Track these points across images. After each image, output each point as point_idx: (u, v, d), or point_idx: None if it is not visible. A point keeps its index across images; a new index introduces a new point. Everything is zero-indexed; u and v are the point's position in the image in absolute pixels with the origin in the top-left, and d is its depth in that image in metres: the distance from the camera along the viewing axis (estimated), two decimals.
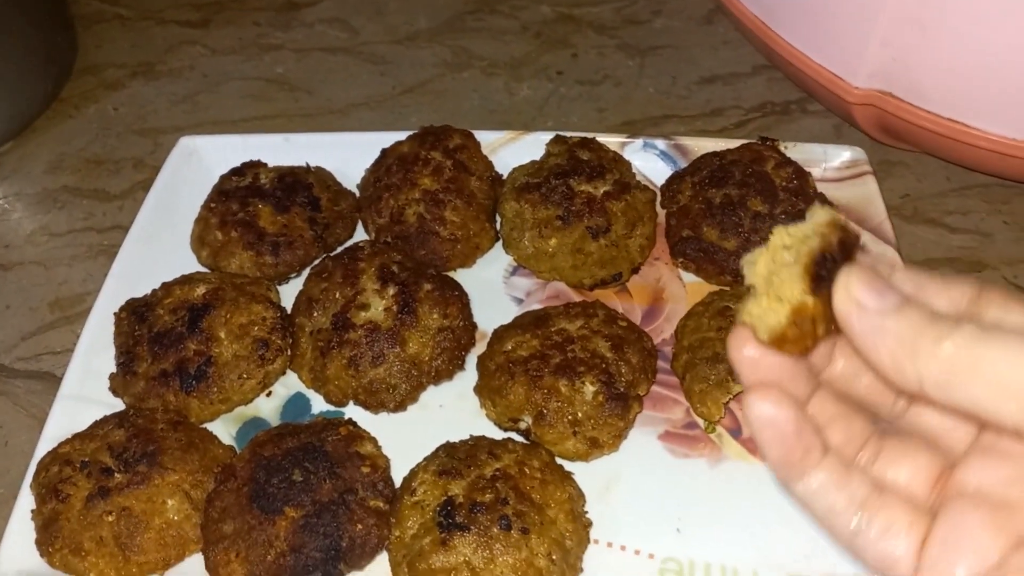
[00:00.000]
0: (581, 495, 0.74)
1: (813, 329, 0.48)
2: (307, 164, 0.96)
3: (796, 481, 0.49)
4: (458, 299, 0.84)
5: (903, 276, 0.46)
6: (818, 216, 0.48)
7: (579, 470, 0.76)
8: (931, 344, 0.40)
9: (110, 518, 0.70)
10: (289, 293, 0.88)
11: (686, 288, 0.90)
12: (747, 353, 0.48)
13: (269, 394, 0.84)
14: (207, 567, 0.70)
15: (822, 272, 0.47)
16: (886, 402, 0.52)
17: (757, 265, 0.49)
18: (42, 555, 0.71)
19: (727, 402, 0.77)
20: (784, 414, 0.47)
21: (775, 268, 0.49)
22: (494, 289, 0.91)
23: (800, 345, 0.48)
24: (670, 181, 0.93)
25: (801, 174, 0.90)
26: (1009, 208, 0.97)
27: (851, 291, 0.44)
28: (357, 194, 0.96)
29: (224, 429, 0.81)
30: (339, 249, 0.91)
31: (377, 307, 0.82)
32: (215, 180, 0.95)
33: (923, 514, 0.48)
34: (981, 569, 0.46)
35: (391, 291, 0.82)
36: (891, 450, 0.50)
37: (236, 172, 0.94)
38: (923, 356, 0.40)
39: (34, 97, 1.12)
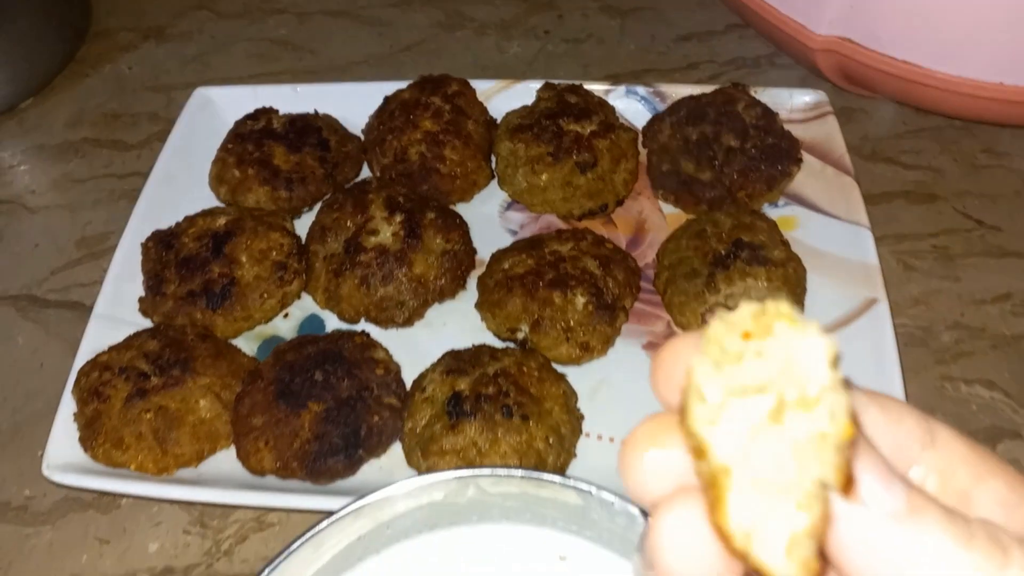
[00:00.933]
0: (574, 393, 0.82)
1: None
2: (315, 111, 1.03)
3: None
4: (459, 226, 0.92)
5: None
6: (813, 341, 0.28)
7: (571, 374, 0.84)
8: None
9: (148, 415, 0.77)
10: (301, 227, 0.96)
11: (666, 219, 0.98)
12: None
13: (286, 315, 0.91)
14: (239, 456, 0.78)
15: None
16: None
17: (719, 435, 0.28)
18: (85, 450, 0.78)
19: (704, 312, 0.86)
20: None
21: (757, 438, 0.28)
22: (491, 222, 0.99)
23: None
24: (651, 122, 1.01)
25: (769, 114, 0.98)
26: (958, 147, 1.06)
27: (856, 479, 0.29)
28: (362, 138, 1.04)
29: (246, 346, 0.88)
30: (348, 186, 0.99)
31: (385, 233, 0.89)
32: (229, 127, 1.02)
33: None
34: None
35: (398, 218, 0.90)
36: None
37: (250, 117, 1.01)
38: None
39: (51, 58, 1.19)
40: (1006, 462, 0.33)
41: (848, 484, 0.28)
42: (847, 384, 0.28)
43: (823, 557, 0.28)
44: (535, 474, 0.66)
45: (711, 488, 0.28)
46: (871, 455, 0.29)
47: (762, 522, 0.27)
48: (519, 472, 0.67)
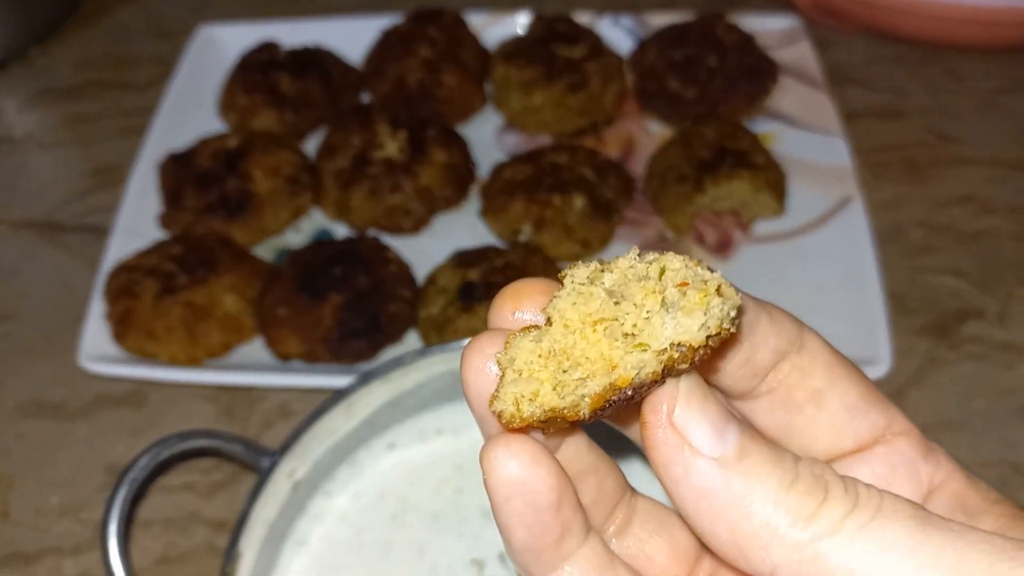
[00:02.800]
0: None
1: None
2: (315, 45, 1.09)
3: (544, 575, 0.35)
4: (460, 141, 0.98)
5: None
6: (689, 322, 0.31)
7: None
8: (791, 528, 0.30)
9: (178, 309, 0.82)
10: (307, 151, 1.01)
11: (653, 137, 1.04)
12: (487, 370, 0.34)
13: (298, 229, 0.96)
14: (267, 343, 0.83)
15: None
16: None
17: (567, 299, 0.33)
18: (119, 343, 0.83)
19: (693, 213, 0.92)
20: (542, 478, 0.33)
21: (583, 325, 0.32)
22: (488, 145, 1.05)
23: (525, 427, 0.33)
24: (638, 48, 1.07)
25: (747, 37, 1.05)
26: (923, 72, 1.14)
27: (684, 427, 0.31)
28: (361, 70, 1.09)
29: (262, 256, 0.93)
30: None
31: (391, 147, 0.95)
32: (231, 62, 1.07)
33: None
34: None
35: (402, 135, 0.95)
36: (646, 521, 0.39)
37: (255, 50, 1.06)
38: (781, 547, 0.30)
39: (55, 5, 1.23)
40: (865, 375, 0.38)
41: (596, 414, 0.32)
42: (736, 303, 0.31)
43: (556, 429, 0.33)
44: None
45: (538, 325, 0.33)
46: (709, 404, 0.31)
47: (527, 368, 0.32)
48: None
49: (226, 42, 1.11)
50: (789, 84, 1.05)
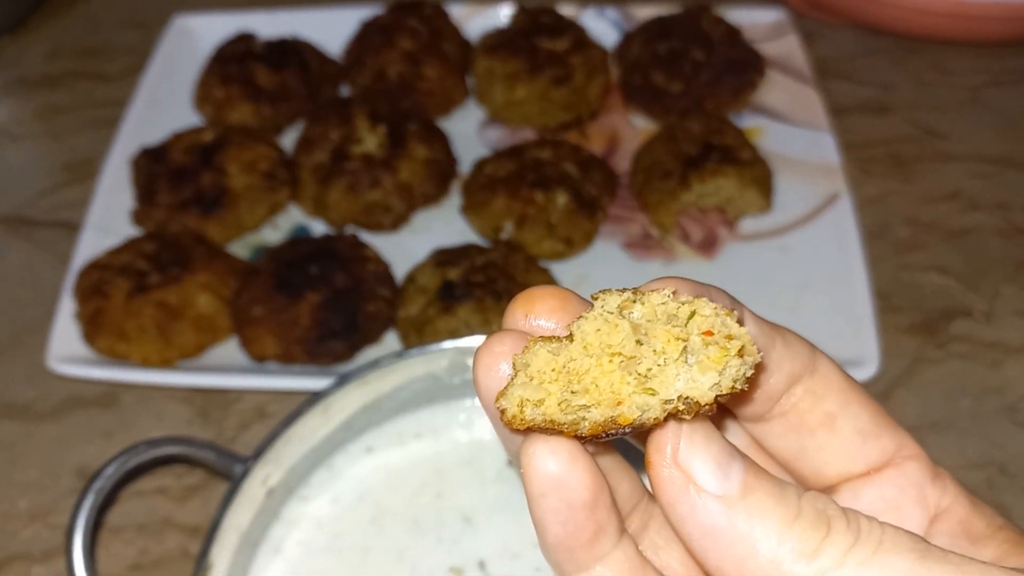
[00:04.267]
0: (557, 283, 0.86)
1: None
2: (293, 36, 1.06)
3: (576, 573, 0.36)
4: (441, 136, 0.96)
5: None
6: (702, 382, 0.32)
7: (554, 270, 0.88)
8: (796, 564, 0.31)
9: (150, 309, 0.80)
10: (284, 145, 0.98)
11: (637, 132, 1.03)
12: (500, 370, 0.35)
13: (275, 226, 0.94)
14: (242, 343, 0.81)
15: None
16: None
17: (593, 324, 0.33)
18: (89, 344, 0.80)
19: (678, 209, 0.91)
20: (578, 477, 0.33)
21: (601, 352, 0.33)
22: (469, 139, 1.03)
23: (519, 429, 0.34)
24: (623, 41, 1.06)
25: (733, 30, 1.03)
26: (909, 66, 1.13)
27: (688, 465, 0.32)
28: (341, 62, 1.07)
29: (238, 253, 0.91)
30: None
31: (370, 142, 0.93)
32: (207, 54, 1.04)
33: None
34: None
35: (382, 129, 0.93)
36: (662, 523, 0.39)
37: (231, 41, 1.03)
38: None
39: None
40: (875, 400, 0.39)
41: (594, 439, 0.33)
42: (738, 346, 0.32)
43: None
44: None
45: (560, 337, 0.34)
46: (712, 443, 0.32)
47: (539, 378, 0.33)
48: None
49: (202, 33, 1.08)
50: (776, 78, 1.04)
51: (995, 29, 1.08)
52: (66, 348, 0.80)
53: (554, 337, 0.34)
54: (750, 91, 1.00)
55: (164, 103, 1.02)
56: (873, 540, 0.31)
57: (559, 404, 0.33)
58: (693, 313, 0.33)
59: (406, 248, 0.91)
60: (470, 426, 0.75)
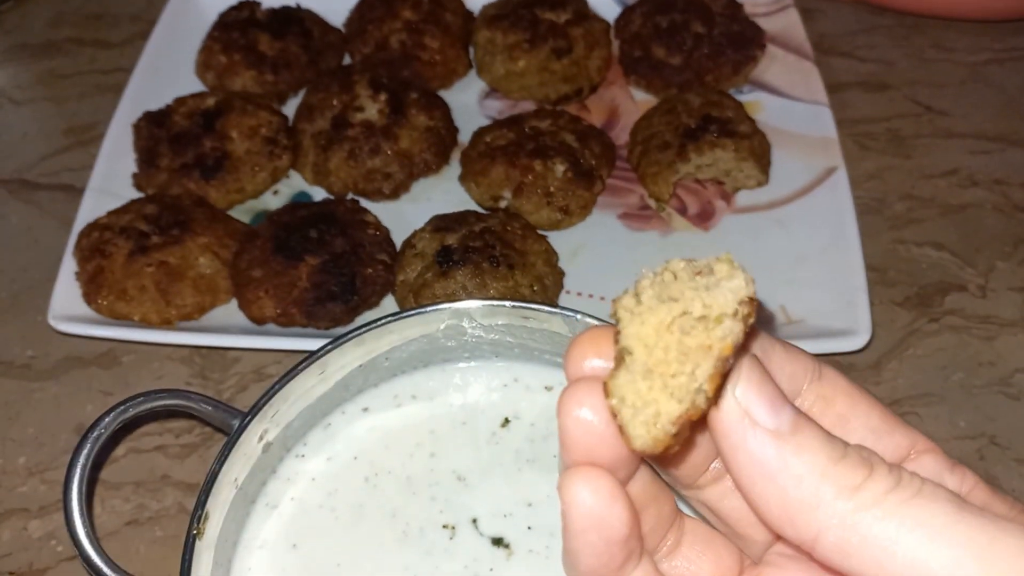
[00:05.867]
0: (555, 252, 0.87)
1: (690, 431, 0.35)
2: (296, 4, 1.06)
3: None
4: (441, 105, 0.97)
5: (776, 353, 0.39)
6: (736, 283, 0.35)
7: (551, 239, 0.88)
8: (836, 499, 0.33)
9: (150, 269, 0.80)
10: (286, 113, 0.99)
11: (637, 105, 1.03)
12: (581, 415, 0.36)
13: (276, 192, 0.95)
14: (240, 305, 0.81)
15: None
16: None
17: (633, 325, 0.35)
18: (89, 304, 0.81)
19: (675, 181, 0.91)
20: (617, 514, 0.36)
21: (660, 336, 0.35)
22: (470, 110, 1.03)
23: (666, 447, 0.35)
24: (623, 13, 1.06)
25: (734, 4, 1.03)
26: (908, 42, 1.13)
27: (745, 401, 0.34)
28: (343, 31, 1.07)
29: (238, 219, 0.92)
30: None
31: (371, 110, 0.93)
32: (210, 22, 1.05)
33: None
34: None
35: (383, 97, 0.93)
36: (695, 541, 0.43)
37: (234, 8, 1.04)
38: (825, 514, 0.33)
39: None
40: (877, 400, 0.41)
41: (717, 394, 0.34)
42: (752, 326, 0.35)
43: (682, 442, 0.35)
44: (524, 304, 0.71)
45: (615, 363, 0.36)
46: (767, 384, 0.35)
47: (638, 399, 0.34)
48: (509, 303, 0.72)
49: (205, 0, 1.08)
50: (775, 53, 1.04)
51: (996, 6, 1.08)
52: (67, 307, 0.81)
53: (615, 364, 0.36)
54: (751, 66, 1.01)
55: (167, 69, 1.02)
56: (913, 487, 0.33)
57: (671, 396, 0.34)
58: (675, 272, 0.36)
59: (405, 216, 0.92)
60: (464, 389, 0.76)
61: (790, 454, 0.34)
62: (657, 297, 0.35)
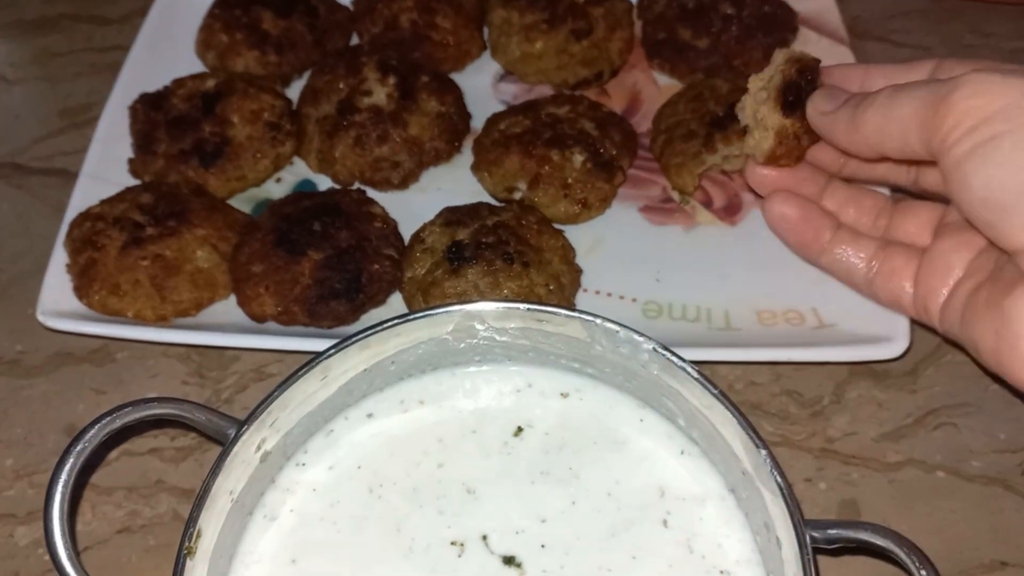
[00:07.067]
0: (572, 248, 0.82)
1: (798, 143, 0.68)
2: None
3: (818, 256, 0.70)
4: (453, 89, 0.91)
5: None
6: (778, 57, 0.68)
7: (568, 232, 0.83)
8: (857, 110, 0.59)
9: (145, 263, 0.76)
10: (291, 96, 0.94)
11: (660, 90, 0.98)
12: (757, 173, 0.70)
13: (279, 180, 0.90)
14: (239, 302, 0.77)
15: (789, 98, 0.66)
16: (900, 175, 0.71)
17: (744, 108, 0.70)
18: (81, 299, 0.77)
19: (701, 173, 0.86)
20: (790, 209, 0.69)
21: (756, 106, 0.68)
22: (484, 94, 0.98)
23: (791, 157, 0.69)
24: None
25: None
26: (946, 28, 1.07)
27: (815, 104, 0.63)
28: (351, 8, 1.02)
29: (239, 208, 0.87)
30: None
31: (379, 94, 0.88)
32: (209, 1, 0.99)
33: (918, 254, 0.66)
34: (951, 280, 0.63)
35: (392, 80, 0.88)
36: (901, 213, 0.69)
37: None
38: (861, 115, 0.59)
39: None
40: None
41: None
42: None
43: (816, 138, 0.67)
44: (541, 307, 0.67)
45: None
46: (826, 89, 0.66)
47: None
48: (524, 305, 0.67)
49: None
50: (808, 36, 0.98)
51: None
52: (57, 302, 0.77)
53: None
54: None
55: (165, 48, 0.98)
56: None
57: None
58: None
59: (414, 207, 0.87)
60: (475, 394, 0.72)
61: (842, 110, 0.62)
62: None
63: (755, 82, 0.70)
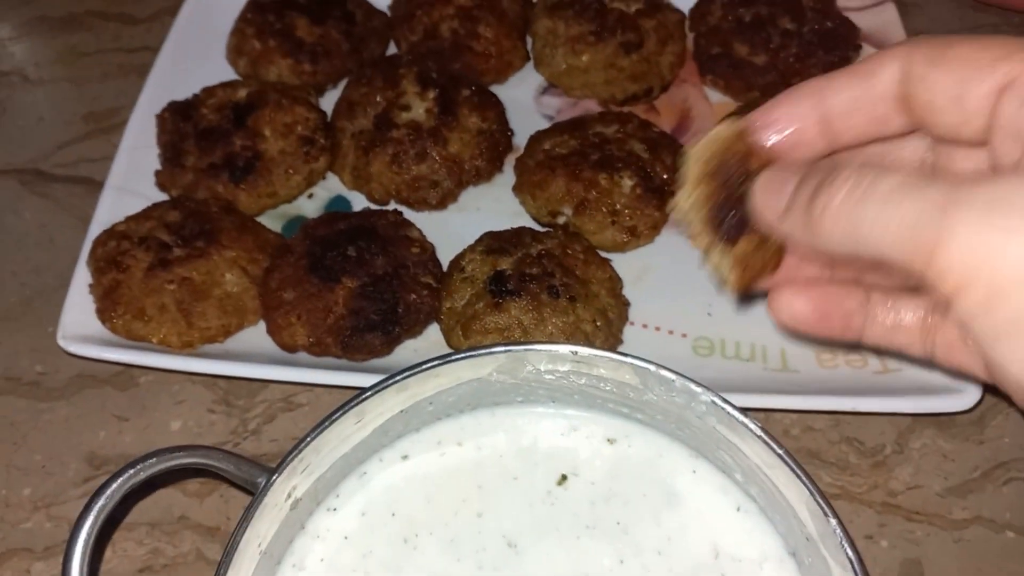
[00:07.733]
0: (619, 279, 0.78)
1: (765, 253, 0.50)
2: None
3: (857, 341, 0.55)
4: (495, 105, 0.87)
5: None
6: (689, 158, 0.50)
7: (614, 260, 0.79)
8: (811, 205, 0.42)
9: (171, 286, 0.72)
10: (325, 106, 0.90)
11: (713, 108, 0.93)
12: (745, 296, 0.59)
13: (311, 196, 0.86)
14: (269, 330, 0.73)
15: (721, 226, 0.49)
16: None
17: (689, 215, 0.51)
18: (103, 322, 0.73)
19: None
20: (800, 304, 0.53)
21: (692, 231, 0.51)
22: (525, 108, 0.93)
23: (771, 267, 0.51)
24: (700, 3, 0.95)
25: None
26: None
27: (758, 201, 0.46)
28: (389, 14, 0.97)
29: (269, 225, 0.83)
30: None
31: (418, 108, 0.84)
32: (242, 2, 0.95)
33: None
34: None
35: (431, 94, 0.84)
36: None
37: None
38: (819, 222, 0.42)
39: None
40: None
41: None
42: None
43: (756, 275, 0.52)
44: (590, 351, 0.62)
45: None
46: (770, 179, 0.46)
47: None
48: (574, 349, 0.63)
49: None
50: (870, 53, 0.93)
51: None
52: (79, 325, 0.73)
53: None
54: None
55: (196, 53, 0.94)
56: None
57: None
58: None
59: (451, 226, 0.83)
60: (517, 437, 0.68)
61: (797, 210, 0.44)
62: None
63: (682, 200, 0.51)
